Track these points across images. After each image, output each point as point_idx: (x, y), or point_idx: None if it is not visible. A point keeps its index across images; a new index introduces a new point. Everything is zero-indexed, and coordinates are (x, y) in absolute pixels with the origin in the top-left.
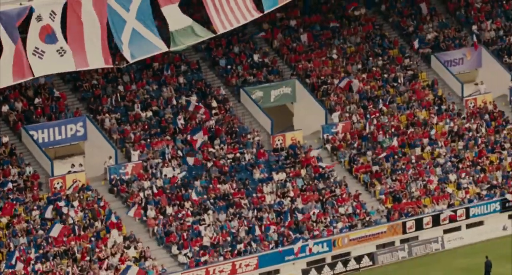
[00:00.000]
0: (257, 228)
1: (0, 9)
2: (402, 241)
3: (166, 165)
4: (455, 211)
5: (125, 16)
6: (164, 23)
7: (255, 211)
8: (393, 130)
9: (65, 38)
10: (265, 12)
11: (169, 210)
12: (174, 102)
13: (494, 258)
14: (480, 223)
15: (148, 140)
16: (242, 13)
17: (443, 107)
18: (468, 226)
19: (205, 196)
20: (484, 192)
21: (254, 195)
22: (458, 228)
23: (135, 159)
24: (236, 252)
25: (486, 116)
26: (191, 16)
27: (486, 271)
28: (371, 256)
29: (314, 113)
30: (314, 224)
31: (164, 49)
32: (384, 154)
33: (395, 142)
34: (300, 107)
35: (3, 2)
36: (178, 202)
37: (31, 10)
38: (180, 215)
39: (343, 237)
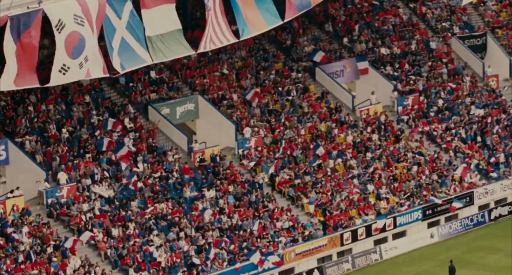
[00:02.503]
0: (207, 246)
1: (10, 13)
2: (339, 254)
3: (98, 185)
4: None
5: (116, 24)
6: None
7: (198, 230)
8: (302, 143)
9: None
10: (241, 39)
11: (115, 232)
12: (91, 120)
13: (436, 265)
14: (404, 232)
15: (75, 161)
16: (218, 37)
17: (342, 118)
18: (396, 236)
19: (146, 217)
20: (405, 201)
21: (193, 213)
22: (385, 239)
23: (63, 181)
24: (194, 272)
25: (382, 127)
26: None
27: None
28: (320, 269)
29: (222, 128)
30: (258, 239)
31: (149, 61)
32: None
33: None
34: (205, 123)
35: (10, 6)
36: (122, 224)
37: (43, 14)
38: (127, 236)
39: (290, 252)
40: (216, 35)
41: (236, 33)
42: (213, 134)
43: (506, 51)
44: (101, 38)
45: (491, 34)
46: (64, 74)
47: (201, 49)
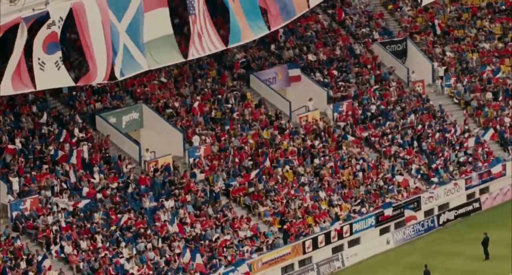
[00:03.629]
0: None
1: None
2: (301, 262)
3: (59, 197)
4: (341, 227)
5: (119, 28)
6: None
7: (165, 241)
8: (250, 151)
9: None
10: (229, 46)
11: (83, 244)
12: (42, 131)
13: (399, 270)
14: (358, 239)
15: (33, 173)
16: (206, 44)
17: (284, 126)
18: (352, 242)
19: (111, 228)
20: (357, 208)
21: (158, 224)
22: (344, 246)
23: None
24: None
25: (322, 133)
26: None
27: None
28: None
29: (168, 137)
30: (224, 249)
31: (146, 68)
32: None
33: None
34: (150, 132)
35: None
36: (89, 236)
37: (47, 16)
38: (96, 249)
39: (257, 261)
40: (201, 42)
41: (224, 40)
42: (159, 143)
43: (427, 56)
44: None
45: (410, 40)
46: (42, 70)
47: (190, 57)
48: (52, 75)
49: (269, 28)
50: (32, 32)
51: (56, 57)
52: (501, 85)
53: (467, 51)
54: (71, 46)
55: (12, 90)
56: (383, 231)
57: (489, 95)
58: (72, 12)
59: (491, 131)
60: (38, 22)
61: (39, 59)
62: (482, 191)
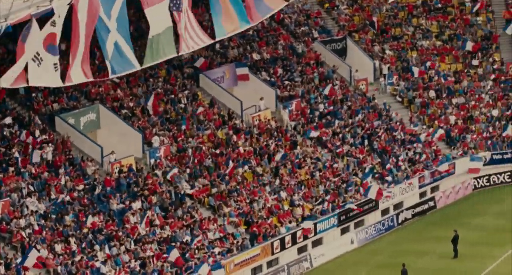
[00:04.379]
0: (150, 260)
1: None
2: (268, 263)
3: (29, 200)
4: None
5: (110, 26)
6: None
7: (137, 243)
8: (208, 151)
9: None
10: (216, 39)
11: (58, 247)
12: (4, 133)
13: (370, 269)
14: (321, 239)
15: (0, 175)
16: (193, 40)
17: (238, 125)
18: (315, 243)
19: (84, 230)
20: (318, 207)
21: (127, 226)
22: (311, 246)
23: None
24: None
25: (275, 133)
26: None
27: None
28: None
29: (126, 138)
30: (196, 251)
31: (138, 67)
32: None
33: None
34: (107, 133)
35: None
36: (62, 239)
37: (52, 12)
38: (71, 252)
39: (230, 262)
40: (191, 37)
41: (211, 34)
42: (117, 144)
43: (368, 54)
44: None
45: (350, 38)
46: (38, 65)
47: (181, 52)
48: (47, 74)
49: (251, 21)
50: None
51: (56, 59)
52: (442, 83)
53: (406, 49)
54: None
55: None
56: (344, 231)
57: (432, 93)
58: (72, 9)
59: (440, 131)
60: (43, 18)
61: (37, 53)
62: (434, 190)
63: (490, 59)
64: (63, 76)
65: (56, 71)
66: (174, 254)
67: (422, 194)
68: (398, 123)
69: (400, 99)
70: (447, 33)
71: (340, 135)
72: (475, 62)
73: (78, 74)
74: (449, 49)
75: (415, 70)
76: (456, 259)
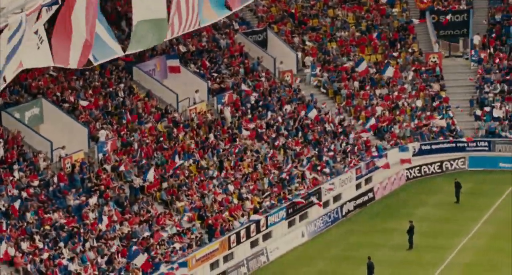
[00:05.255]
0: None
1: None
2: (224, 258)
3: None
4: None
5: None
6: None
7: (100, 239)
8: (154, 145)
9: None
10: (201, 26)
11: (24, 245)
12: None
13: (327, 263)
14: (271, 232)
15: None
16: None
17: (177, 118)
18: (265, 236)
19: (47, 227)
20: (267, 201)
21: (87, 222)
22: (264, 239)
23: None
24: None
25: (212, 126)
26: None
27: (369, 272)
28: (225, 274)
29: (71, 132)
30: (158, 246)
31: (120, 53)
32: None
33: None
34: (51, 128)
35: None
36: (27, 236)
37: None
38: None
39: (191, 258)
40: (180, 22)
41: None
42: (62, 138)
43: (290, 46)
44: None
45: (271, 30)
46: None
47: (167, 37)
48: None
49: (230, 9)
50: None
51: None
52: (365, 74)
53: (326, 40)
54: None
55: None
56: (290, 224)
57: (356, 84)
58: None
59: (372, 120)
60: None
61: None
62: (369, 181)
63: (410, 50)
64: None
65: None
66: (140, 259)
67: (358, 186)
68: (327, 115)
69: (324, 91)
70: (364, 24)
71: (275, 127)
72: (394, 53)
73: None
74: (368, 40)
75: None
76: (411, 250)
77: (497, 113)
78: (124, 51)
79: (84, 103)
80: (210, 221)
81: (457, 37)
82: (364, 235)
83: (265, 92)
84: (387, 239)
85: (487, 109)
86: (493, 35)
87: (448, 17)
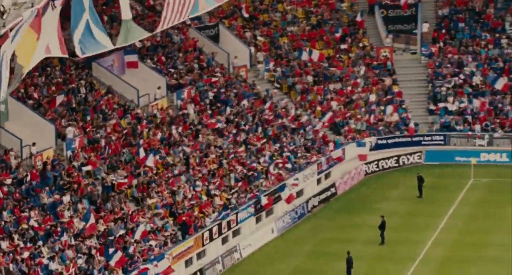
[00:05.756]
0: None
1: None
2: (198, 255)
3: None
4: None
5: (85, 2)
6: None
7: (77, 238)
8: (121, 141)
9: None
10: (190, 16)
11: (4, 244)
12: None
13: (302, 260)
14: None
15: None
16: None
17: (140, 114)
18: (235, 232)
19: (24, 226)
20: (233, 196)
21: (63, 220)
22: (235, 235)
23: None
24: None
25: (174, 122)
26: None
27: (348, 267)
28: (201, 272)
29: (38, 129)
30: (135, 244)
31: (110, 47)
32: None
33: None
34: (17, 125)
35: None
36: (5, 235)
37: None
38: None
39: (169, 256)
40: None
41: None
42: (29, 136)
43: (242, 41)
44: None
45: (223, 25)
46: None
47: (158, 29)
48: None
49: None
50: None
51: None
52: (318, 68)
53: (277, 35)
54: None
55: None
56: (258, 220)
57: (310, 79)
58: None
59: (329, 114)
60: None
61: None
62: (329, 176)
63: (360, 44)
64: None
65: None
66: (116, 258)
67: (319, 181)
68: (283, 110)
69: (278, 86)
70: (314, 18)
71: (235, 123)
72: (344, 47)
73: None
74: (318, 34)
75: None
76: (384, 245)
77: (451, 107)
78: (116, 45)
79: (60, 99)
80: (184, 218)
81: (405, 31)
82: (334, 231)
83: (222, 88)
84: (358, 234)
85: (441, 104)
86: (443, 30)
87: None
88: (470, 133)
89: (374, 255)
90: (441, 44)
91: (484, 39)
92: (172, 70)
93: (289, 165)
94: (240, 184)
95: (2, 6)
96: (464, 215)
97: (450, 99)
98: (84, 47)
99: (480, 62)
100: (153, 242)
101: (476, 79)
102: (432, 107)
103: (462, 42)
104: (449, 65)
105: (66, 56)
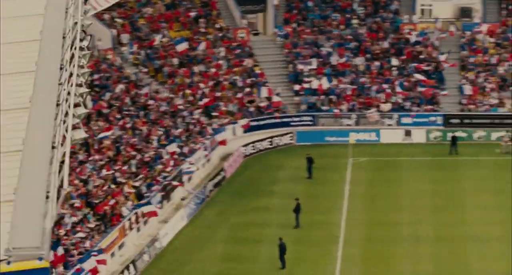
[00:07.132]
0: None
1: None
2: (120, 246)
3: None
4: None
5: None
6: None
7: None
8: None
9: None
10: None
11: None
12: None
13: (224, 246)
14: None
15: None
16: None
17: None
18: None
19: None
20: (138, 184)
21: None
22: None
23: None
24: None
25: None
26: None
27: (281, 253)
28: (134, 265)
29: None
30: (65, 237)
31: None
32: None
33: None
34: None
35: None
36: None
37: None
38: None
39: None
40: None
41: None
42: None
43: (103, 23)
44: None
45: None
46: None
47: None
48: None
49: None
50: None
51: None
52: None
53: (136, 16)
54: None
55: None
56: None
57: (175, 61)
58: None
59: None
60: None
61: None
62: (215, 160)
63: (217, 26)
64: None
65: None
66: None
67: (209, 165)
68: (156, 94)
69: (145, 69)
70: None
71: (117, 108)
72: (201, 29)
73: None
74: (174, 15)
75: None
76: (299, 228)
77: (314, 87)
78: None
79: None
80: (98, 208)
81: (256, 12)
82: (241, 215)
83: (94, 71)
84: (269, 218)
85: (305, 85)
86: (294, 11)
87: None
88: (338, 111)
89: (294, 239)
90: (295, 25)
91: (335, 19)
92: None
93: (178, 150)
94: (140, 170)
95: None
96: (362, 195)
97: (312, 79)
98: None
99: (335, 42)
100: (81, 234)
101: (333, 60)
102: (297, 87)
103: (314, 22)
104: (307, 46)
105: None
